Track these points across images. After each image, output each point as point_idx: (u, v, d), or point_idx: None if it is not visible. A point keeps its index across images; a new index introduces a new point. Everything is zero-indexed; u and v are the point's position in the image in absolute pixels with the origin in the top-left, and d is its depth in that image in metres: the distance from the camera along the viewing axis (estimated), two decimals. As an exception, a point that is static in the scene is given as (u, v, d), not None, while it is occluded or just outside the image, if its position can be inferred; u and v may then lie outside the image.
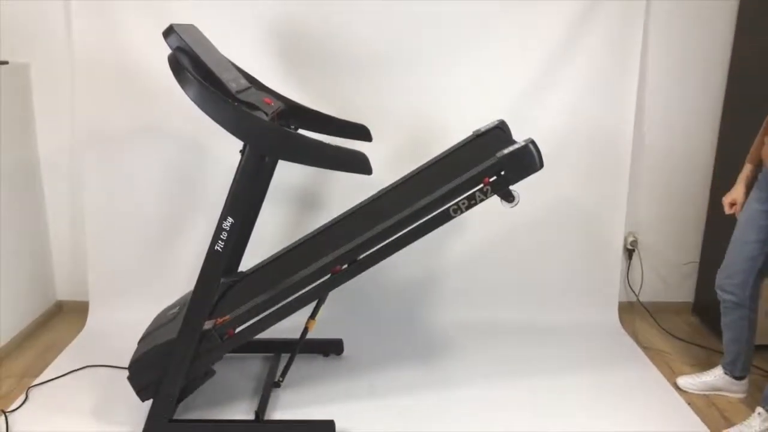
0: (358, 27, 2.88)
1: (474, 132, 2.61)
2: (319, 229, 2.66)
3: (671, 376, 2.69)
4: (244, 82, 2.27)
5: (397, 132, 3.00)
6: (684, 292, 3.37)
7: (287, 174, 2.99)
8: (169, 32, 2.08)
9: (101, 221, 3.02)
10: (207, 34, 2.41)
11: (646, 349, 2.93)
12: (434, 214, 2.16)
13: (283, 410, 2.41)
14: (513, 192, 2.14)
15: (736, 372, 2.52)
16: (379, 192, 2.65)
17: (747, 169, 2.42)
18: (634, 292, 3.33)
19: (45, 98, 2.98)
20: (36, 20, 2.88)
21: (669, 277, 3.35)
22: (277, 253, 2.69)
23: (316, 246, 2.51)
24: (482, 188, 2.14)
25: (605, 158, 3.07)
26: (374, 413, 2.39)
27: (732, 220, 2.46)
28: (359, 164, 2.03)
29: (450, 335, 3.01)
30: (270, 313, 2.22)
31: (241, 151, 2.13)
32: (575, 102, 3.00)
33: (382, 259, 2.21)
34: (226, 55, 2.46)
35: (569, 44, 2.93)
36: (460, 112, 2.99)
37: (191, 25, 2.28)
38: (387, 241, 2.18)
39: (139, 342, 2.36)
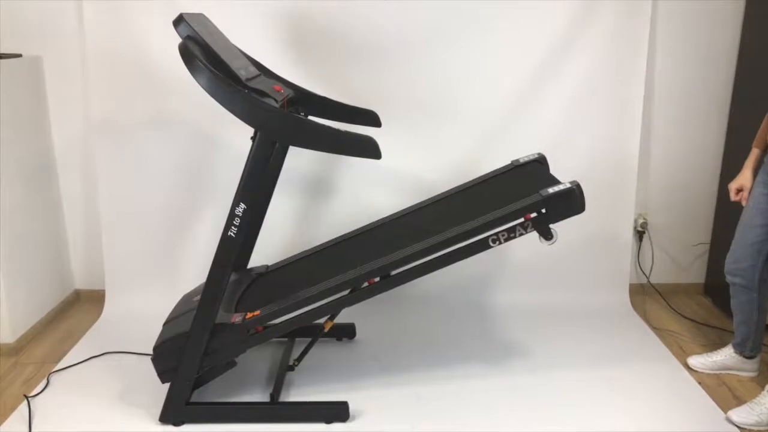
0: (365, 15, 2.88)
1: (512, 162, 2.66)
2: (353, 233, 2.70)
3: (682, 356, 2.70)
4: (253, 70, 2.30)
5: (405, 118, 3.01)
6: (695, 273, 3.37)
7: (297, 163, 3.01)
8: (179, 21, 2.11)
9: (115, 211, 3.07)
10: (216, 22, 2.43)
11: (657, 330, 2.94)
12: (473, 240, 2.18)
13: (297, 393, 2.45)
14: (552, 230, 2.18)
15: (746, 351, 2.53)
16: (415, 206, 2.69)
17: (753, 154, 2.41)
18: (644, 273, 3.34)
19: (58, 90, 3.02)
20: (48, 13, 2.91)
21: (680, 259, 3.35)
22: (307, 251, 2.73)
23: (349, 251, 2.53)
24: (523, 223, 2.17)
25: (614, 140, 3.07)
26: (386, 395, 2.43)
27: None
28: (369, 149, 2.05)
29: (459, 319, 3.04)
30: (300, 315, 2.25)
31: (252, 138, 2.15)
32: (585, 85, 2.99)
33: (415, 278, 2.23)
34: (235, 43, 2.48)
35: (583, 29, 2.93)
36: (467, 99, 3.00)
37: (200, 14, 2.30)
38: (423, 261, 2.20)
39: (164, 324, 2.39)
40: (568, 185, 2.15)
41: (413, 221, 2.55)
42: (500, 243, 2.18)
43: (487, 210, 2.22)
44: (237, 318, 2.24)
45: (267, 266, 2.74)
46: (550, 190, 2.15)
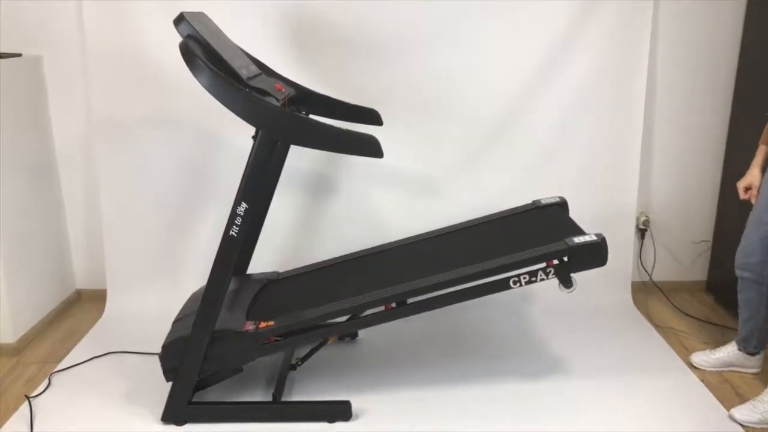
0: (366, 13, 2.88)
1: (534, 202, 2.69)
2: (369, 250, 2.70)
3: (685, 354, 2.70)
4: (254, 69, 2.29)
5: (407, 116, 3.01)
6: (697, 270, 3.36)
7: (298, 162, 3.01)
8: (179, 20, 2.11)
9: (117, 211, 3.06)
10: (217, 21, 2.43)
11: (659, 328, 2.94)
12: (495, 279, 2.19)
13: (299, 392, 2.44)
14: (573, 279, 2.20)
15: (750, 348, 2.53)
16: (435, 232, 2.70)
17: (761, 152, 2.41)
18: (647, 271, 3.33)
19: (58, 90, 3.01)
20: (48, 12, 2.90)
21: (682, 256, 3.35)
22: (320, 262, 2.73)
23: (367, 271, 2.53)
24: (545, 268, 2.18)
25: (616, 138, 3.06)
26: (389, 394, 2.42)
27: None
28: (371, 148, 2.05)
29: (460, 318, 3.03)
30: (314, 332, 2.26)
31: (253, 137, 2.15)
32: (586, 82, 2.98)
33: (431, 309, 2.22)
34: (236, 41, 2.47)
35: (585, 28, 2.92)
36: (469, 98, 2.99)
37: (201, 12, 2.29)
38: (442, 293, 2.20)
39: (174, 323, 2.38)
40: (594, 238, 2.19)
41: (434, 249, 2.55)
42: (521, 285, 2.19)
43: (511, 249, 2.25)
44: (250, 326, 2.23)
45: (278, 273, 2.73)
46: (576, 239, 2.19)
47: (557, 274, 2.20)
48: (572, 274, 2.20)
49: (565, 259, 2.19)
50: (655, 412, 2.32)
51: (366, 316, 2.26)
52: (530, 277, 2.19)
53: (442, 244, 2.58)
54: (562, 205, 2.65)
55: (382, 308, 2.24)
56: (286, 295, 2.50)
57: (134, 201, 3.05)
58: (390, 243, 2.73)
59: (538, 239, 2.28)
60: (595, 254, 2.18)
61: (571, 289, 2.21)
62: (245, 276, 2.71)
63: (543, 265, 2.18)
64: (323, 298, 2.33)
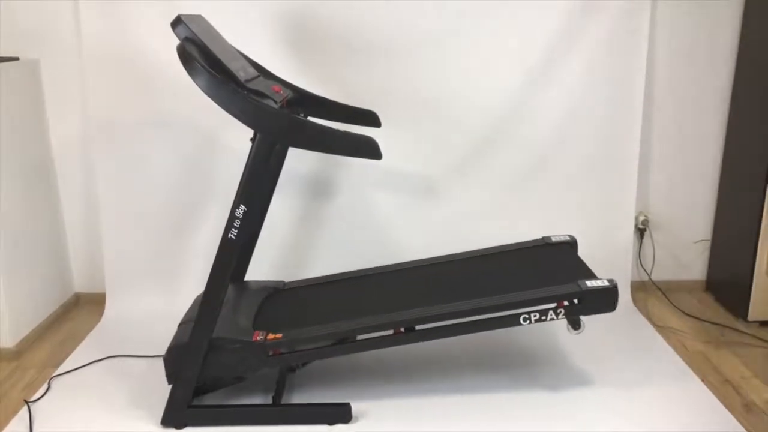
0: (364, 14, 2.87)
1: (543, 238, 2.70)
2: (377, 269, 2.70)
3: (685, 353, 2.70)
4: (252, 71, 2.29)
5: (405, 117, 3.00)
6: (696, 270, 3.36)
7: (296, 164, 3.00)
8: (177, 23, 2.10)
9: (115, 214, 3.06)
10: (214, 23, 2.42)
11: (659, 327, 2.93)
12: (505, 314, 2.20)
13: (299, 394, 2.44)
14: (581, 321, 2.22)
15: None
16: (444, 258, 2.71)
17: None
18: (646, 271, 3.33)
19: (56, 93, 3.01)
20: (45, 16, 2.90)
21: (681, 256, 3.35)
22: (328, 276, 2.73)
23: (377, 292, 2.52)
24: (556, 308, 2.19)
25: (614, 138, 3.06)
26: (389, 396, 2.42)
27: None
28: (369, 149, 2.04)
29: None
30: (322, 350, 2.26)
31: (251, 140, 2.15)
32: (584, 82, 2.98)
33: (438, 338, 2.23)
34: (233, 44, 2.47)
35: (580, 24, 2.91)
36: (467, 98, 2.99)
37: (199, 15, 2.29)
38: (452, 322, 2.21)
39: (179, 326, 2.36)
40: (606, 283, 2.19)
41: (446, 277, 2.54)
42: (530, 323, 2.20)
43: (523, 286, 2.26)
44: (259, 336, 2.22)
45: (284, 282, 2.72)
46: (588, 283, 2.19)
47: (567, 316, 2.21)
48: (581, 317, 2.23)
49: (576, 301, 2.20)
50: (655, 412, 2.32)
51: (373, 338, 2.25)
52: (540, 316, 2.20)
53: (452, 272, 2.58)
54: (571, 244, 2.67)
55: (390, 331, 2.24)
56: (294, 308, 2.49)
57: (133, 204, 3.05)
58: (401, 264, 2.72)
59: (549, 278, 2.29)
60: (606, 300, 2.20)
61: (579, 330, 2.23)
62: (249, 283, 2.69)
63: (554, 305, 2.20)
64: (333, 315, 2.32)
